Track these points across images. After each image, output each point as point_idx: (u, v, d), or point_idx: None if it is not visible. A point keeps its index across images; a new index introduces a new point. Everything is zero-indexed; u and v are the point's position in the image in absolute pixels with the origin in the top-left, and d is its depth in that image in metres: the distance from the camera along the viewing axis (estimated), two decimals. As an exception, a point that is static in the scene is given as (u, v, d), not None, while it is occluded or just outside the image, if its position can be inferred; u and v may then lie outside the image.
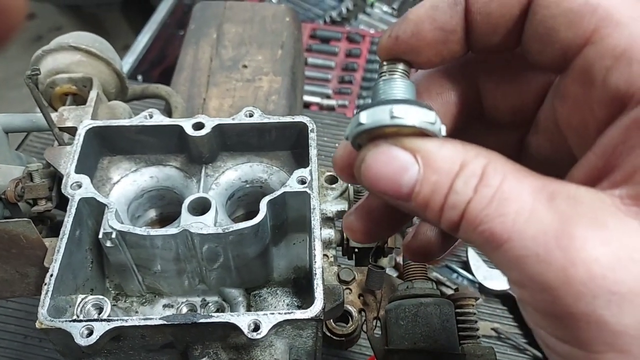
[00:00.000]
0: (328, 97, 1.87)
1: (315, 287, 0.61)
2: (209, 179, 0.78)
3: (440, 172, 0.37)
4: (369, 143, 0.40)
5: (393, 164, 0.38)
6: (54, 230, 0.78)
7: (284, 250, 0.75)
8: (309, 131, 0.74)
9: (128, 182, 0.79)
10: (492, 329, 1.02)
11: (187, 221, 0.71)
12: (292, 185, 0.69)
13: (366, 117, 0.39)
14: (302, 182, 0.69)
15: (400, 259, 0.90)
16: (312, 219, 0.66)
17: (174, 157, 0.80)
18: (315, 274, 0.62)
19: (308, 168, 0.71)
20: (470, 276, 1.01)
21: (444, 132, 0.39)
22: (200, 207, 0.74)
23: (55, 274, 0.62)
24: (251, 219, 0.85)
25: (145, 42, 1.54)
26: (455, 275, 0.99)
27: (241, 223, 0.66)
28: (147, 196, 0.81)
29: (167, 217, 0.86)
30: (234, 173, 0.80)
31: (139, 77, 1.51)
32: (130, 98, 1.00)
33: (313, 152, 0.72)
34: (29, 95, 3.00)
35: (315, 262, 0.63)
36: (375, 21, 2.15)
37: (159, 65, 1.75)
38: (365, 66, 1.96)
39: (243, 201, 0.83)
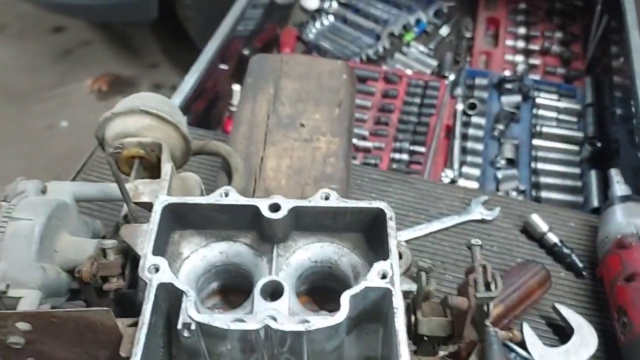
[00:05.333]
0: (364, 138, 1.86)
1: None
2: (280, 259, 0.77)
3: None
4: None
5: None
6: (119, 303, 0.77)
7: (355, 339, 0.74)
8: (387, 219, 0.73)
9: (198, 257, 0.78)
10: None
11: (261, 307, 0.70)
12: (373, 279, 0.68)
13: None
14: (383, 276, 0.68)
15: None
16: (395, 321, 0.64)
17: (244, 234, 0.79)
18: (402, 383, 0.60)
19: (388, 261, 0.69)
20: (526, 354, 0.99)
21: None
22: (271, 289, 0.73)
23: (136, 367, 0.61)
24: (313, 294, 0.84)
25: (193, 83, 1.54)
26: (513, 354, 0.97)
27: (323, 320, 0.65)
28: (215, 271, 0.80)
29: (229, 287, 0.85)
30: (304, 253, 0.78)
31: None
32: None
33: (392, 242, 0.71)
34: (54, 110, 3.07)
35: (401, 369, 0.61)
36: (411, 61, 2.15)
37: (199, 98, 1.74)
38: (402, 108, 1.95)
39: (308, 278, 0.81)
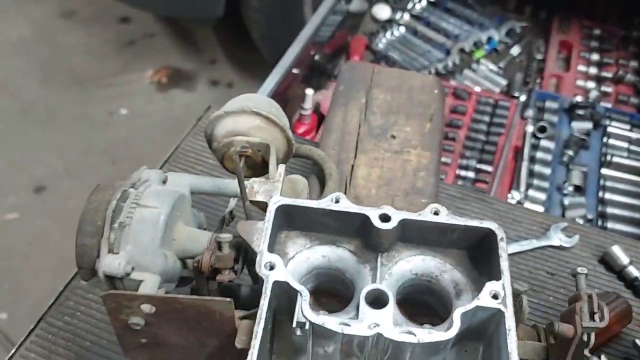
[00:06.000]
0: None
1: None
2: (383, 269, 0.79)
3: None
4: None
5: None
6: (222, 295, 0.79)
7: (454, 355, 0.74)
8: (498, 240, 0.73)
9: (302, 258, 0.80)
10: None
11: (366, 314, 0.71)
12: (485, 298, 0.68)
13: None
14: (495, 297, 0.68)
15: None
16: (508, 342, 0.65)
17: (348, 240, 0.80)
18: (515, 404, 0.61)
19: (500, 282, 0.70)
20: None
21: None
22: (374, 297, 0.74)
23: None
24: (404, 305, 0.85)
25: (273, 86, 1.57)
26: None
27: (435, 334, 0.66)
28: (315, 273, 0.81)
29: (322, 290, 0.86)
30: (406, 265, 0.79)
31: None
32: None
33: (504, 264, 0.71)
34: (115, 97, 3.17)
35: (513, 390, 0.62)
36: (480, 78, 2.14)
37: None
38: (470, 125, 1.94)
39: (405, 290, 0.82)
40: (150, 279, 0.70)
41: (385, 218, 0.75)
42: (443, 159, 1.84)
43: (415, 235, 0.78)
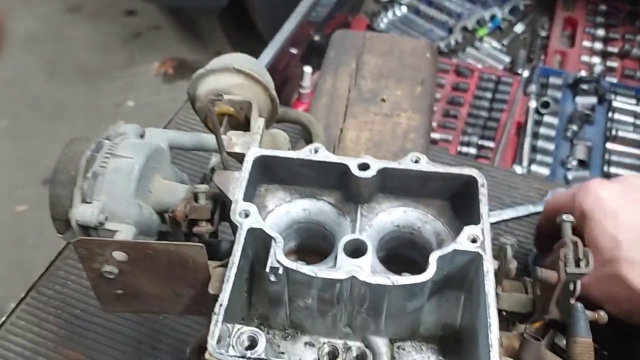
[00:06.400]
0: (432, 129, 1.84)
1: (490, 361, 0.58)
2: (363, 220, 0.77)
3: None
4: None
5: None
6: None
7: (435, 305, 0.73)
8: (479, 185, 0.72)
9: (282, 212, 0.79)
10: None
11: (343, 262, 0.70)
12: (463, 242, 0.66)
13: None
14: (474, 240, 0.67)
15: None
16: (485, 283, 0.63)
17: (328, 193, 0.79)
18: (492, 346, 0.59)
19: (479, 226, 0.68)
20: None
21: None
22: (354, 248, 0.73)
23: (225, 304, 0.62)
24: (389, 263, 0.83)
25: (268, 61, 1.56)
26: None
27: (410, 277, 0.64)
28: (296, 227, 0.80)
29: (306, 248, 0.85)
30: (387, 216, 0.78)
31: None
32: (270, 121, 1.00)
33: (484, 209, 0.70)
34: (122, 89, 3.18)
35: (490, 331, 0.60)
36: (483, 56, 2.11)
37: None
38: (472, 102, 1.91)
39: (388, 244, 0.81)
40: (125, 229, 0.69)
41: (364, 167, 0.74)
42: (444, 136, 1.82)
43: (396, 185, 0.77)
